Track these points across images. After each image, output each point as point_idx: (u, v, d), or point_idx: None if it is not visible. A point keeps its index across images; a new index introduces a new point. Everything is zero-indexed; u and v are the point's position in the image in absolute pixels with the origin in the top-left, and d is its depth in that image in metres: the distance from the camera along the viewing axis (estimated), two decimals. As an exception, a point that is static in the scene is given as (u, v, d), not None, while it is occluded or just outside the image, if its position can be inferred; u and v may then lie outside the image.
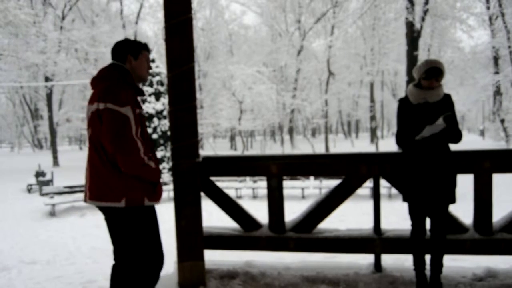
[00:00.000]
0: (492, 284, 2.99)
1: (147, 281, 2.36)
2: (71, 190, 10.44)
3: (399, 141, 2.89)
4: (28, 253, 5.96)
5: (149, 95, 14.07)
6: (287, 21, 29.99)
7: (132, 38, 25.37)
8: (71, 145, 50.11)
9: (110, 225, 2.33)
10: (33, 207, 10.56)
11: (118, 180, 2.18)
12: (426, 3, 17.53)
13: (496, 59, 22.79)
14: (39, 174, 13.90)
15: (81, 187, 10.51)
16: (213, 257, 3.52)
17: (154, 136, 13.89)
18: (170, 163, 5.60)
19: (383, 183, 9.58)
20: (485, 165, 3.02)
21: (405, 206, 2.98)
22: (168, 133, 12.91)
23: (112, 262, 2.41)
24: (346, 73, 32.74)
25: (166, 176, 13.12)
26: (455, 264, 3.47)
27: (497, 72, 22.43)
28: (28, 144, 44.87)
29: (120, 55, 2.34)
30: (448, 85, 24.59)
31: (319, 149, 26.92)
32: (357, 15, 23.52)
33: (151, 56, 12.80)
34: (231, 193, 10.86)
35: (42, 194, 11.21)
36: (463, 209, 3.78)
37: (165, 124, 14.21)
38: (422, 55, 20.96)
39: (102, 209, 2.28)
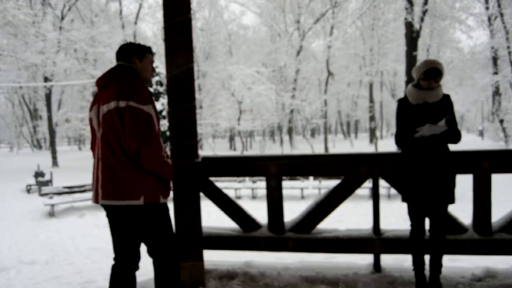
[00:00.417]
0: (491, 284, 2.99)
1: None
2: (70, 190, 10.43)
3: (398, 141, 2.89)
4: (27, 253, 5.96)
5: (149, 95, 14.03)
6: (286, 21, 29.98)
7: (131, 38, 25.35)
8: (70, 146, 50.10)
9: (127, 224, 2.29)
10: (32, 207, 10.55)
11: (137, 179, 2.20)
12: (425, 3, 17.56)
13: (495, 60, 22.81)
14: (38, 174, 13.89)
15: (81, 188, 10.50)
16: (212, 257, 3.52)
17: (154, 136, 13.86)
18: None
19: (382, 183, 9.54)
20: (484, 165, 3.02)
21: (404, 206, 2.98)
22: (167, 133, 12.90)
23: (111, 262, 2.40)
24: (345, 73, 32.71)
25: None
26: (454, 264, 3.47)
27: (496, 73, 22.44)
28: (27, 144, 44.86)
29: (126, 57, 2.35)
30: (447, 85, 24.59)
31: (318, 149, 26.91)
32: (356, 15, 23.57)
33: (151, 56, 12.75)
34: (231, 193, 10.86)
35: (41, 195, 11.20)
36: (462, 209, 3.77)
37: (164, 124, 14.20)
38: (421, 56, 20.97)
39: (117, 208, 2.24)
